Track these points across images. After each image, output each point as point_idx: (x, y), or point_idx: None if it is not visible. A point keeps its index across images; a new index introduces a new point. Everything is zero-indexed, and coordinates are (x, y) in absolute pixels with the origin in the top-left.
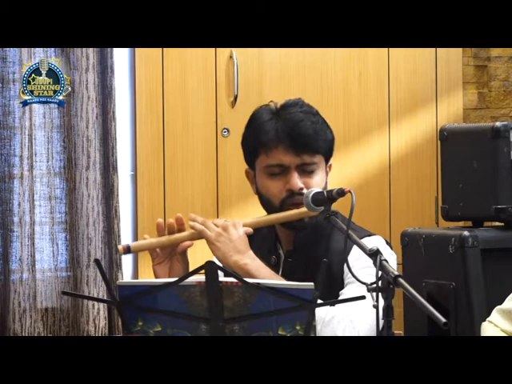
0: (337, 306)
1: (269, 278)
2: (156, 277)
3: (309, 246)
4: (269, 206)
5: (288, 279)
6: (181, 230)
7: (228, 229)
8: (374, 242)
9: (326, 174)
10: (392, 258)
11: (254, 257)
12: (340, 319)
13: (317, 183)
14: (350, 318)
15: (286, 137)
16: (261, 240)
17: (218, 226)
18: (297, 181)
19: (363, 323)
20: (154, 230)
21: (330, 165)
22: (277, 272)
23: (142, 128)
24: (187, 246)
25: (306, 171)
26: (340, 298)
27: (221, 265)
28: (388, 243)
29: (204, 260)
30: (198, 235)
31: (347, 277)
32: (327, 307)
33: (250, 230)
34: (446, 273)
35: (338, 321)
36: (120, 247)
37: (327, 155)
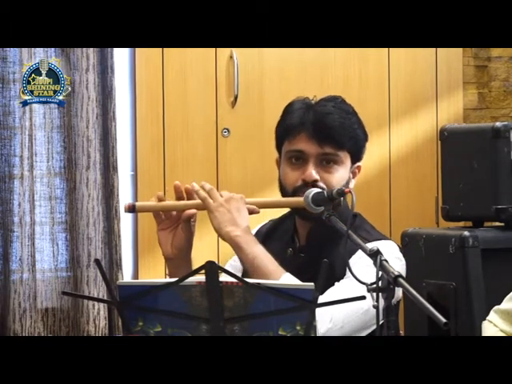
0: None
1: (258, 254)
2: (159, 242)
3: (320, 244)
4: (283, 193)
5: (297, 274)
6: (188, 196)
7: (230, 201)
8: (383, 245)
9: (353, 175)
10: (399, 264)
11: (248, 232)
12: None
13: (337, 180)
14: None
15: (310, 125)
16: (282, 232)
17: (222, 197)
18: (312, 172)
19: (339, 313)
20: (155, 230)
21: (359, 166)
22: (291, 265)
23: (142, 128)
24: (191, 213)
25: (326, 163)
26: (331, 288)
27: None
28: (400, 250)
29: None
30: (202, 205)
31: (347, 275)
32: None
33: (257, 209)
34: (446, 273)
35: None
36: (125, 205)
37: (354, 154)
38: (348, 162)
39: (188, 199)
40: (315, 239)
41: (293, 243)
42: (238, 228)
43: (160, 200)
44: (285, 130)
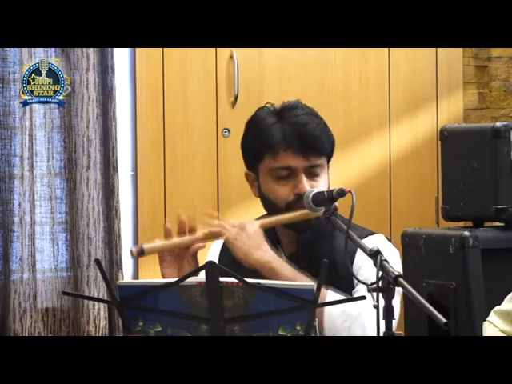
0: (363, 301)
1: (294, 275)
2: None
3: (312, 246)
4: (273, 208)
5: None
6: (191, 230)
7: (246, 227)
8: (377, 240)
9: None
10: (395, 254)
11: (274, 254)
12: (369, 315)
13: (323, 186)
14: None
15: (294, 140)
16: None
17: (234, 226)
18: (305, 185)
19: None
20: (154, 230)
21: (329, 166)
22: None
23: (142, 128)
24: (200, 247)
25: (313, 174)
26: (356, 295)
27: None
28: (389, 240)
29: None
30: (211, 236)
31: (359, 275)
32: (355, 303)
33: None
34: (446, 273)
35: (367, 316)
36: (134, 250)
37: (330, 156)
38: (326, 165)
39: (189, 231)
40: (305, 244)
41: (276, 253)
42: (266, 253)
43: (168, 234)
44: (267, 147)
